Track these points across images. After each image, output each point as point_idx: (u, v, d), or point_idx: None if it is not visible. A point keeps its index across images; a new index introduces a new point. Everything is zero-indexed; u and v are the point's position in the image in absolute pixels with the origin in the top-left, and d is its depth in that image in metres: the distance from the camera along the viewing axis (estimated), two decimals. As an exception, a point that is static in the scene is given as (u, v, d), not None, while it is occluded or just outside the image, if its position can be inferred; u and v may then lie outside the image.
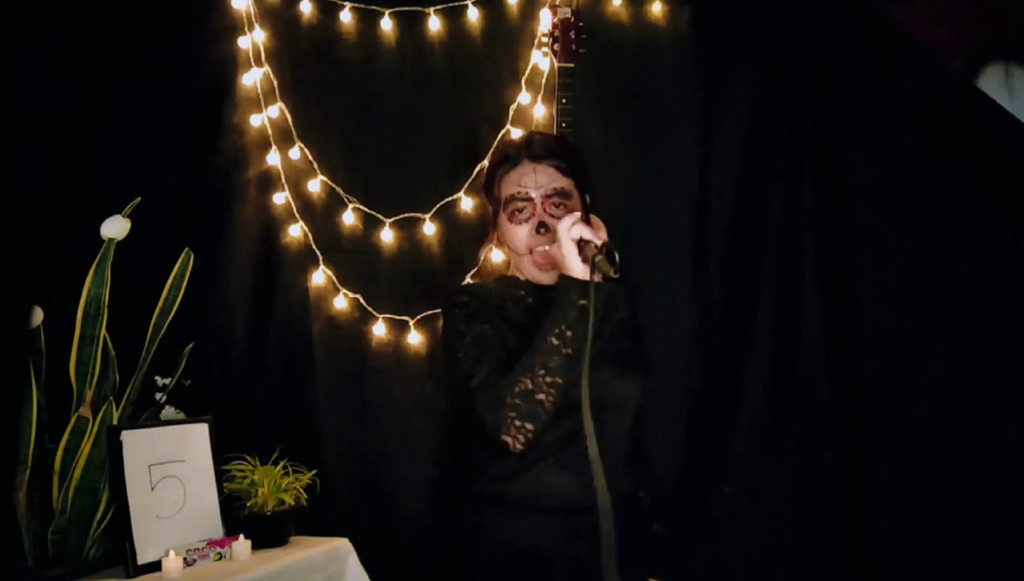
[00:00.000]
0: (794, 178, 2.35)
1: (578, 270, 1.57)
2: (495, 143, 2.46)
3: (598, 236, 1.58)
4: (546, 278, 1.70)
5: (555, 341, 1.55)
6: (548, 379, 1.54)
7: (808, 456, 2.30)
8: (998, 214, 2.23)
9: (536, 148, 1.74)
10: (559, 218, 1.64)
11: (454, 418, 1.81)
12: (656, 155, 2.44)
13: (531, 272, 1.73)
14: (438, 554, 2.33)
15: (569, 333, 1.54)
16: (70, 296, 2.08)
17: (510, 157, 1.75)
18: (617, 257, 1.51)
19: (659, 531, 1.80)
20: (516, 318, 1.70)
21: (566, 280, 1.58)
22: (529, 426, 1.54)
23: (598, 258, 1.52)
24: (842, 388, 2.30)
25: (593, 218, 1.84)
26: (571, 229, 1.58)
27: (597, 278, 1.54)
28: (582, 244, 1.57)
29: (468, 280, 2.44)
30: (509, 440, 1.54)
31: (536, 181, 1.71)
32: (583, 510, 1.56)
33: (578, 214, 1.63)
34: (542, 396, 1.54)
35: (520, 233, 1.71)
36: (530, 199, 1.70)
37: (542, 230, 1.68)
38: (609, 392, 1.67)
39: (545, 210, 1.70)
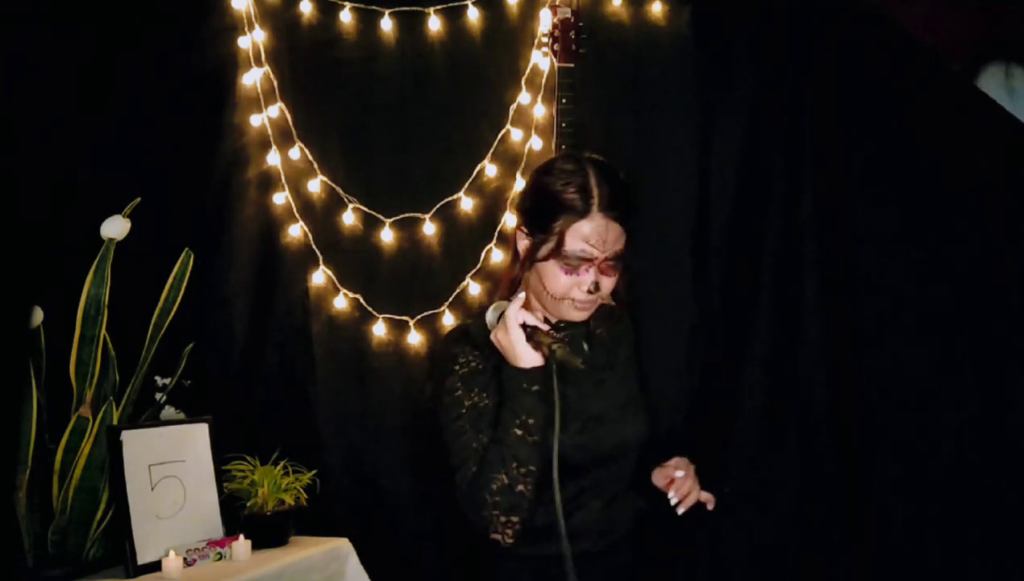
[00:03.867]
0: (794, 178, 2.35)
1: (526, 359, 1.52)
2: (495, 143, 2.46)
3: (540, 320, 1.55)
4: (580, 316, 1.63)
5: (518, 432, 1.51)
6: (522, 470, 1.50)
7: (808, 456, 2.31)
8: (998, 213, 2.23)
9: (609, 198, 1.59)
10: (609, 277, 1.60)
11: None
12: (656, 155, 2.44)
13: (562, 313, 1.63)
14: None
15: (531, 420, 1.51)
16: (70, 296, 2.08)
17: (577, 207, 1.57)
18: (586, 346, 1.44)
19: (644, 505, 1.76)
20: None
21: (511, 371, 1.53)
22: (515, 518, 1.51)
23: (556, 347, 1.46)
24: (842, 387, 2.30)
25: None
26: (516, 314, 1.52)
27: (542, 354, 1.50)
28: (528, 330, 1.52)
29: (468, 281, 2.44)
30: (499, 538, 1.53)
31: (606, 241, 1.58)
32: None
33: (522, 297, 1.57)
34: (520, 488, 1.50)
35: (566, 282, 1.59)
36: (593, 259, 1.59)
37: (593, 289, 1.59)
38: (627, 440, 1.67)
39: (600, 270, 1.60)
